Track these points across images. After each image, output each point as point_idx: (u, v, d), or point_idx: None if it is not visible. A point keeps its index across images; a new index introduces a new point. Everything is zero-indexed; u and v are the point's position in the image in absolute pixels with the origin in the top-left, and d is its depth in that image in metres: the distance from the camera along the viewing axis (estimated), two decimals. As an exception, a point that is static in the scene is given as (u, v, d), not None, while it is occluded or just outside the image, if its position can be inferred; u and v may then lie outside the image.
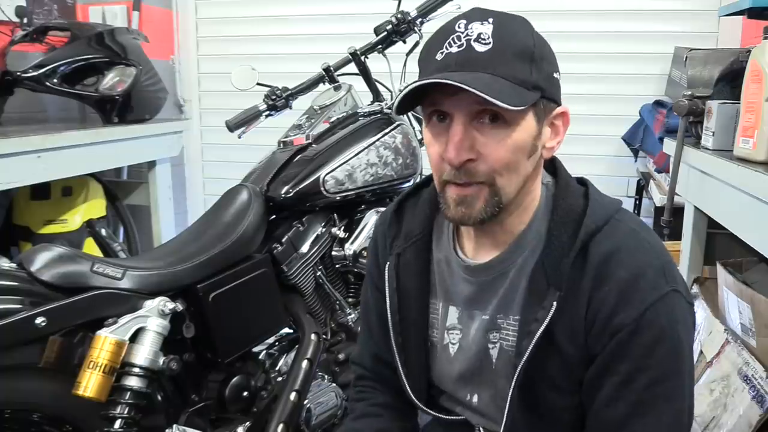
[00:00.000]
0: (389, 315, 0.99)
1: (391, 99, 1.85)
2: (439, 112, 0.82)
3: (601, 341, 0.82)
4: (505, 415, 0.88)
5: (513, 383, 0.86)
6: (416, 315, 0.98)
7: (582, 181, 0.93)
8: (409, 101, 0.83)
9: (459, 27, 0.80)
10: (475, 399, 0.96)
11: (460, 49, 0.79)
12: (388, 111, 1.81)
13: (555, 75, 0.85)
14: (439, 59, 0.80)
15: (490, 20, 0.79)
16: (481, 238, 0.92)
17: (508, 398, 0.87)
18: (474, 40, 0.78)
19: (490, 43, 0.78)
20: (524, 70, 0.79)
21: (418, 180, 1.82)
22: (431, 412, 1.01)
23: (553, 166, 0.95)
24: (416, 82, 0.80)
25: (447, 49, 0.79)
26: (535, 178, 0.88)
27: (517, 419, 0.88)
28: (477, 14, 0.81)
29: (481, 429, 0.97)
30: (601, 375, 0.83)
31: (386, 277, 0.99)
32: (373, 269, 1.08)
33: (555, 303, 0.82)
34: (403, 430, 1.06)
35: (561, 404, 0.88)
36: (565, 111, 0.87)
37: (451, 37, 0.80)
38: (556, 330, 0.84)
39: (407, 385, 1.00)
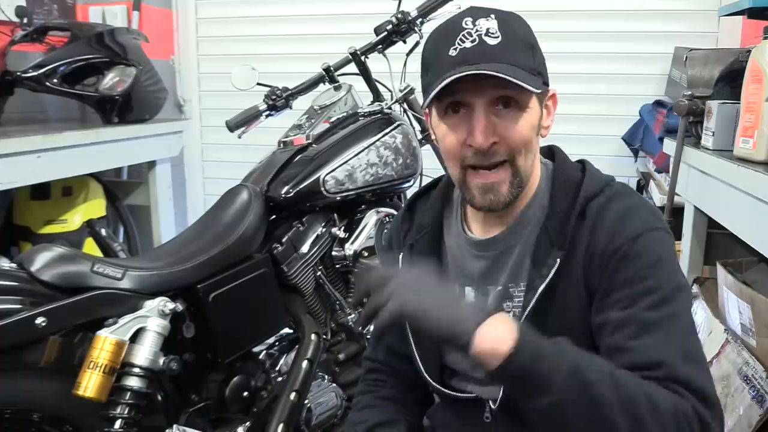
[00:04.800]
0: None
1: (391, 99, 1.85)
2: (456, 103, 0.88)
3: (599, 272, 0.86)
4: None
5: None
6: None
7: (579, 161, 1.00)
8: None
9: (467, 24, 0.86)
10: None
11: (474, 44, 0.85)
12: (388, 111, 1.81)
13: (545, 62, 0.93)
14: (453, 55, 0.86)
15: (492, 16, 0.87)
16: (488, 217, 0.98)
17: None
18: (485, 35, 0.85)
19: (498, 36, 0.86)
20: (529, 58, 0.88)
21: (417, 180, 1.83)
22: (446, 390, 1.04)
23: (551, 152, 1.02)
24: (451, 75, 0.84)
25: (460, 44, 0.86)
26: (536, 156, 0.96)
27: None
28: (479, 11, 0.88)
29: (491, 403, 0.98)
30: (605, 308, 0.85)
31: (400, 267, 1.03)
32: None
33: (558, 260, 0.88)
34: (406, 425, 1.07)
35: None
36: (554, 93, 0.96)
37: (462, 33, 0.86)
38: (560, 286, 0.89)
39: (422, 369, 1.03)
